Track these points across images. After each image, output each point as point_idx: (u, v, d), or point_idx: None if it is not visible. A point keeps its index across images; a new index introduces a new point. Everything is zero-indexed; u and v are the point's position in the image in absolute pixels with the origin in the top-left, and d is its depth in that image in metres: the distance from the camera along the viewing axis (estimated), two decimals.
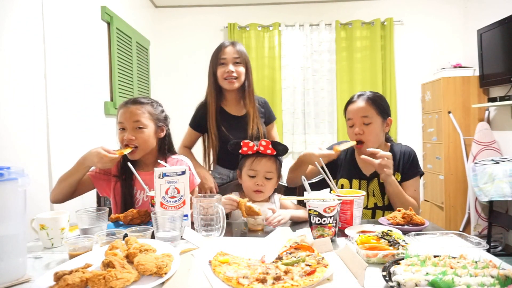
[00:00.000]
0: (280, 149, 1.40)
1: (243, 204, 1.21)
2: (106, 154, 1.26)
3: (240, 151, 1.42)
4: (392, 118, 4.36)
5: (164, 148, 1.50)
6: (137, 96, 1.50)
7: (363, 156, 1.39)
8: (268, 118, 1.92)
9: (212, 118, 1.78)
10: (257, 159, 1.39)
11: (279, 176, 1.46)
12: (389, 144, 1.59)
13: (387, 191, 1.44)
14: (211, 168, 1.91)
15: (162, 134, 1.49)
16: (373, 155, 1.37)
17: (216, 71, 1.76)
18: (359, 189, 1.52)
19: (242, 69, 1.76)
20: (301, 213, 1.32)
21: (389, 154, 1.36)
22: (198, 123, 1.85)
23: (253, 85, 1.85)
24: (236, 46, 1.77)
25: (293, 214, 1.30)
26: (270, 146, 1.37)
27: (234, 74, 1.73)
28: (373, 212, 1.51)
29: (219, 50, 1.77)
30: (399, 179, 1.49)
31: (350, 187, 1.53)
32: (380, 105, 1.49)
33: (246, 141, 1.40)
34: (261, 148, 1.38)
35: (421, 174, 1.53)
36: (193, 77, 4.06)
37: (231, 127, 1.78)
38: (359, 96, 1.53)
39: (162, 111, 1.51)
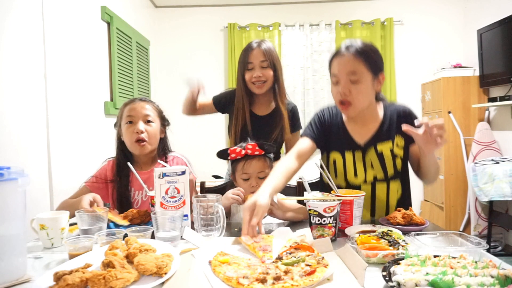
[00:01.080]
0: (267, 148, 1.39)
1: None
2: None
3: (228, 158, 1.42)
4: None
5: (164, 148, 1.55)
6: (141, 97, 1.54)
7: (404, 126, 1.12)
8: (291, 126, 1.81)
9: (239, 123, 1.76)
10: (248, 162, 1.39)
11: None
12: (382, 103, 1.38)
13: (424, 161, 1.22)
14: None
15: (163, 135, 1.54)
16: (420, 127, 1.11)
17: (245, 75, 1.74)
18: (354, 161, 1.36)
19: (270, 72, 1.72)
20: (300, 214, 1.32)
21: (441, 122, 1.07)
22: (223, 105, 1.87)
23: (284, 86, 1.81)
24: (262, 47, 1.72)
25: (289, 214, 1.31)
26: (257, 147, 1.37)
27: (262, 79, 1.71)
28: (373, 187, 1.35)
29: (246, 54, 1.74)
30: (402, 144, 1.33)
31: (344, 161, 1.37)
32: (371, 58, 1.25)
33: (232, 148, 1.40)
34: (249, 151, 1.38)
35: None
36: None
37: (254, 127, 1.77)
38: (347, 48, 1.26)
39: (164, 114, 1.57)
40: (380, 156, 1.33)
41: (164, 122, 1.54)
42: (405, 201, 1.40)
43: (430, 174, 1.29)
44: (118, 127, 1.51)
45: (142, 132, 1.41)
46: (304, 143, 1.38)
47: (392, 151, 1.34)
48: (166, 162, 1.48)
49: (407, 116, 1.34)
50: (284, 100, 1.80)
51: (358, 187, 1.36)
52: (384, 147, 1.34)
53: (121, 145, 1.49)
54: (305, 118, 3.93)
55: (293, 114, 1.85)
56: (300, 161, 1.33)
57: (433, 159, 1.24)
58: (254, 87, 1.73)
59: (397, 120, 1.33)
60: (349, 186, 1.37)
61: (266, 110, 1.82)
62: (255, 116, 1.81)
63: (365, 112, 1.34)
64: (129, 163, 1.32)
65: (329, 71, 1.35)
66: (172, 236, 1.04)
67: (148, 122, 1.45)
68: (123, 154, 1.48)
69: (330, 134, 1.40)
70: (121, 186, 1.44)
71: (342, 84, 1.26)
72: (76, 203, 1.26)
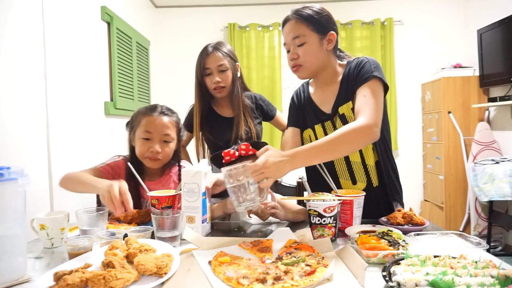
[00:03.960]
0: (260, 147, 1.38)
1: None
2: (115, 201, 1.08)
3: (223, 161, 1.41)
4: (392, 118, 4.32)
5: (175, 157, 1.48)
6: (157, 105, 1.44)
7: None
8: (267, 114, 1.82)
9: (198, 123, 1.73)
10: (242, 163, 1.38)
11: None
12: (344, 62, 1.33)
13: None
14: None
15: (176, 147, 1.47)
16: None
17: (202, 80, 1.73)
18: (325, 134, 1.30)
19: (228, 75, 1.69)
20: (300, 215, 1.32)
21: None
22: (192, 124, 1.82)
23: (243, 84, 1.78)
24: (218, 52, 1.69)
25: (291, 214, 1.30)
26: (251, 147, 1.37)
27: (221, 84, 1.68)
28: (347, 161, 1.31)
29: (202, 59, 1.72)
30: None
31: (315, 136, 1.34)
32: (314, 20, 1.25)
33: (226, 150, 1.39)
34: (243, 152, 1.37)
35: (375, 76, 1.17)
36: (193, 77, 4.03)
37: (220, 128, 1.73)
38: (288, 16, 1.28)
39: (181, 126, 1.50)
40: (343, 118, 1.28)
41: (180, 136, 1.46)
42: (386, 163, 1.33)
43: None
44: (131, 133, 1.43)
45: (158, 153, 1.35)
46: (286, 133, 1.44)
47: (353, 110, 1.24)
48: (179, 171, 1.44)
49: (358, 66, 1.24)
50: (239, 103, 1.72)
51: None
52: (345, 109, 1.27)
53: (133, 150, 1.42)
54: None
55: (261, 103, 1.81)
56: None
57: None
58: (215, 92, 1.71)
59: (355, 76, 1.24)
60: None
61: (231, 111, 1.76)
62: (220, 117, 1.77)
63: (322, 75, 1.33)
64: (129, 163, 1.30)
65: None
66: (172, 236, 1.04)
67: (165, 142, 1.38)
68: (136, 160, 1.41)
69: (304, 111, 1.40)
70: (132, 192, 1.40)
71: (291, 50, 1.29)
72: (95, 183, 1.18)
